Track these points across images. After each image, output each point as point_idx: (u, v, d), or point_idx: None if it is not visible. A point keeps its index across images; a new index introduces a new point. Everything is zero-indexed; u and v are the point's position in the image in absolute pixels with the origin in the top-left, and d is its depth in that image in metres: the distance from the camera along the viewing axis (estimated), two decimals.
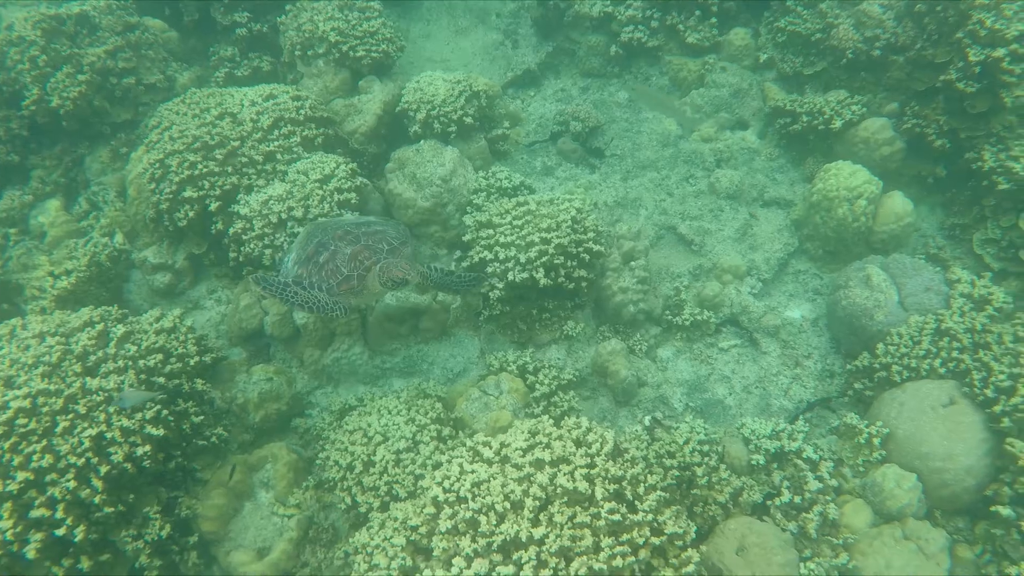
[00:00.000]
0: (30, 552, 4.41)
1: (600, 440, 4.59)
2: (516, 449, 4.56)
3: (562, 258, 6.03)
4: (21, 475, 4.47)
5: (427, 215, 6.87)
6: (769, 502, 4.97)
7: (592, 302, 6.54)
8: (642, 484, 4.40)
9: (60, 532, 4.47)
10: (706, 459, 5.04)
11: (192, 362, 5.58)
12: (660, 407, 6.02)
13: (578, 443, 4.61)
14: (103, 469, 4.63)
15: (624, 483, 4.35)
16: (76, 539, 4.50)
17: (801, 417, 5.75)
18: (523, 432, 4.74)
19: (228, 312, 6.62)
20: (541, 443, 4.61)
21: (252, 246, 6.27)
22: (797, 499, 4.93)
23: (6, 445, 4.55)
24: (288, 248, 6.00)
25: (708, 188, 7.46)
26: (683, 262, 6.96)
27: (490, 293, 6.15)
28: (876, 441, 5.27)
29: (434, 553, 4.14)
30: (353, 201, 6.47)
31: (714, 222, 7.21)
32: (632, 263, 6.42)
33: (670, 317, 6.48)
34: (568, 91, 8.49)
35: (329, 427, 5.61)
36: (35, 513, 4.46)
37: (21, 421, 4.64)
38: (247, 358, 6.42)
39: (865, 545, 4.73)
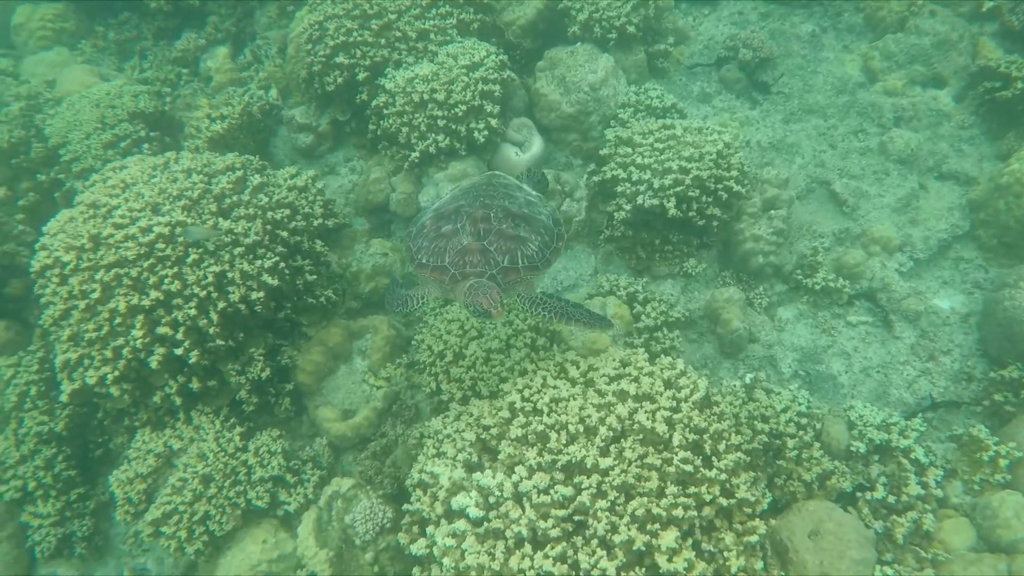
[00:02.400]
0: (153, 362, 4.87)
1: (691, 387, 4.39)
2: (603, 375, 4.46)
3: (697, 191, 5.66)
4: (154, 294, 4.89)
5: (568, 121, 6.63)
6: (859, 494, 4.63)
7: (720, 244, 6.17)
8: (724, 442, 4.20)
9: (178, 352, 4.89)
10: (801, 432, 4.73)
11: (316, 223, 5.80)
12: (766, 368, 5.68)
13: (667, 384, 4.43)
14: (220, 304, 4.98)
15: (705, 436, 4.16)
16: (190, 361, 4.92)
17: (920, 415, 5.25)
18: (614, 360, 4.62)
19: (358, 182, 6.79)
20: (630, 375, 4.47)
21: (391, 122, 6.32)
22: (892, 499, 4.56)
23: (145, 264, 4.96)
24: (444, 192, 5.64)
25: (878, 147, 6.68)
26: (829, 222, 6.36)
27: (615, 213, 5.92)
28: (1003, 463, 4.74)
29: (499, 456, 4.19)
30: (496, 94, 6.32)
31: (875, 186, 6.49)
32: (772, 212, 5.94)
33: (800, 277, 6.00)
34: (746, 15, 7.74)
35: (431, 312, 5.72)
36: (161, 330, 4.89)
37: (160, 246, 5.02)
38: (368, 230, 6.61)
39: (958, 568, 4.34)
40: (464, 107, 6.14)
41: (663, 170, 5.72)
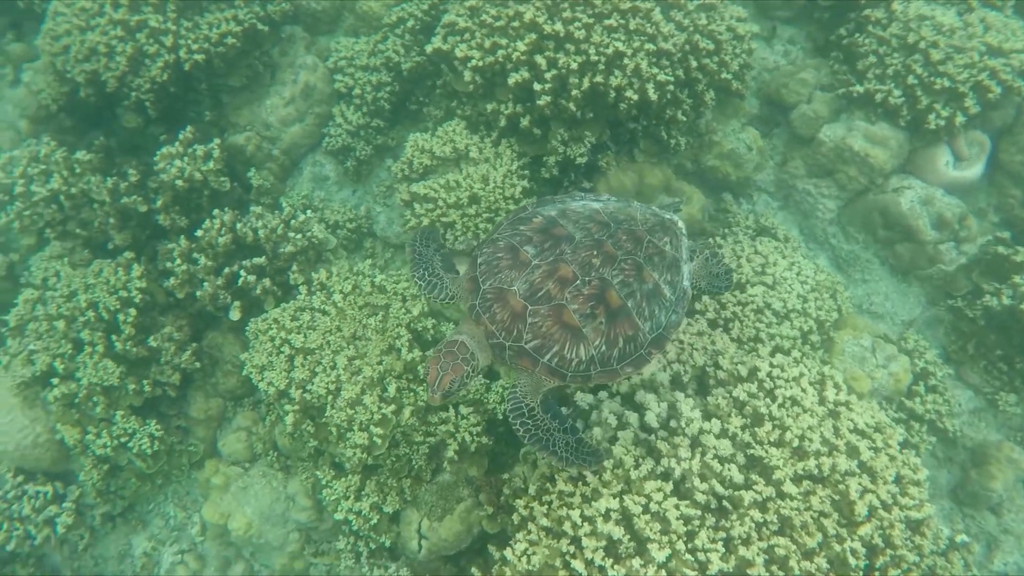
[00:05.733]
0: None
1: (917, 502, 3.92)
2: (850, 418, 4.06)
3: None
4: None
5: None
6: None
7: None
8: (896, 569, 3.80)
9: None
10: None
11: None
12: (973, 540, 4.97)
13: (897, 477, 3.99)
14: None
15: (888, 549, 3.77)
16: None
17: None
18: (871, 417, 4.18)
19: (784, 71, 6.22)
20: (873, 440, 4.04)
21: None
22: None
23: None
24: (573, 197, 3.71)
25: None
26: None
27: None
28: None
29: (710, 398, 4.07)
30: None
31: None
32: None
33: None
34: None
35: None
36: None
37: None
38: (753, 117, 6.15)
39: None
40: None
41: None
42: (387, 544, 4.80)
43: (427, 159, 5.25)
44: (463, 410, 4.63)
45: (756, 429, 3.91)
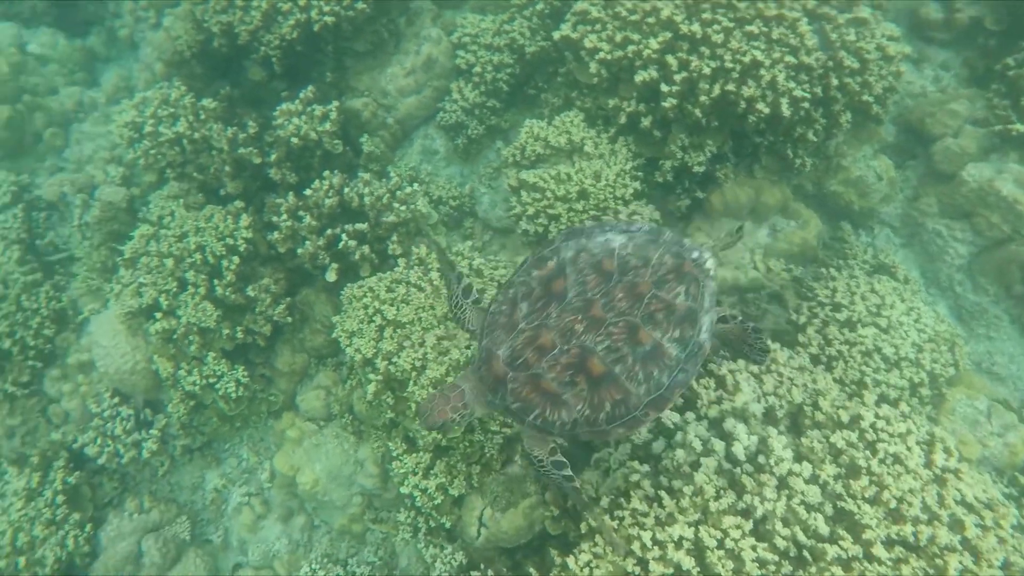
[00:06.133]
0: None
1: None
2: (955, 492, 3.76)
3: None
4: None
5: None
6: None
7: None
8: None
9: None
10: None
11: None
12: None
13: (1001, 540, 3.68)
14: None
15: None
16: None
17: None
18: (978, 485, 3.86)
19: (924, 100, 5.78)
20: (979, 522, 3.73)
21: None
22: None
23: None
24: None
25: None
26: None
27: None
28: None
29: (807, 432, 3.86)
30: None
31: None
32: None
33: None
34: None
35: None
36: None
37: None
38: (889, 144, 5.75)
39: None
40: None
41: None
42: (447, 525, 4.82)
43: (540, 147, 5.15)
44: None
45: (850, 481, 3.67)
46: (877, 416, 3.88)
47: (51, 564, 5.50)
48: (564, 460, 3.28)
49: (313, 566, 5.36)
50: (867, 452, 3.75)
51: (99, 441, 5.79)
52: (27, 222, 6.69)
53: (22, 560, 5.48)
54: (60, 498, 5.66)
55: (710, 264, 3.05)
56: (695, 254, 3.05)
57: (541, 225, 5.02)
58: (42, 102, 7.23)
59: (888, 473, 3.63)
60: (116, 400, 5.85)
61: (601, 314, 2.92)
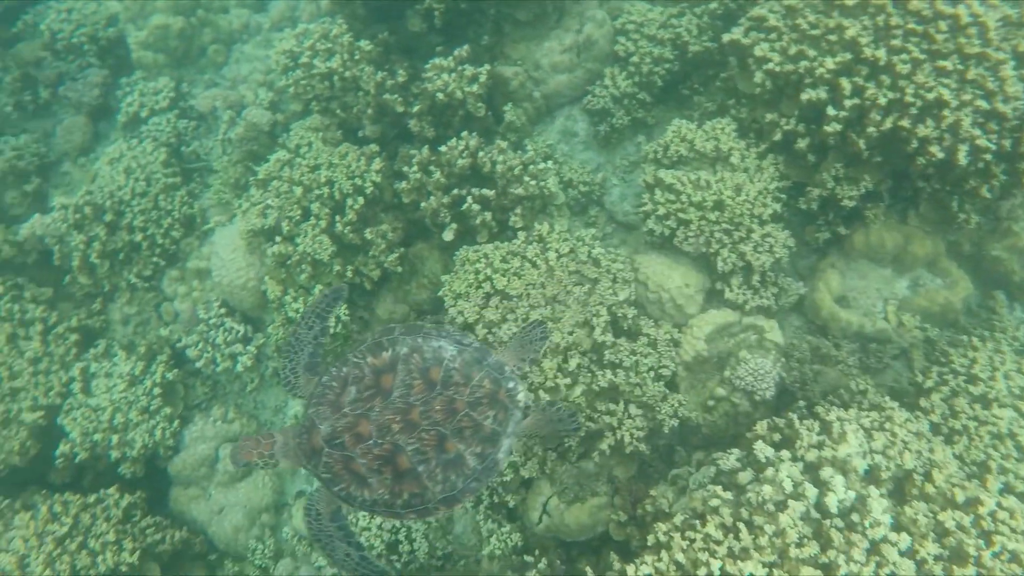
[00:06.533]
0: None
1: None
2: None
3: None
4: None
5: None
6: None
7: None
8: None
9: None
10: None
11: None
12: None
13: None
14: None
15: None
16: None
17: None
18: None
19: None
20: None
21: None
22: None
23: None
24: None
25: None
26: None
27: None
28: None
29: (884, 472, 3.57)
30: None
31: None
32: None
33: None
34: None
35: None
36: None
37: None
38: None
39: None
40: None
41: None
42: (510, 504, 4.79)
43: (684, 149, 4.97)
44: (632, 410, 4.44)
45: (953, 567, 3.37)
46: (1000, 506, 3.55)
47: (138, 448, 5.85)
48: (352, 530, 3.61)
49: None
50: (980, 542, 3.43)
51: (200, 346, 6.08)
52: (177, 128, 7.07)
53: (115, 438, 5.84)
54: (157, 390, 5.99)
55: (521, 397, 3.35)
56: (511, 384, 3.34)
57: (669, 228, 4.86)
58: (213, 19, 7.58)
59: (1001, 571, 3.32)
60: (223, 311, 6.13)
61: (418, 420, 3.22)
